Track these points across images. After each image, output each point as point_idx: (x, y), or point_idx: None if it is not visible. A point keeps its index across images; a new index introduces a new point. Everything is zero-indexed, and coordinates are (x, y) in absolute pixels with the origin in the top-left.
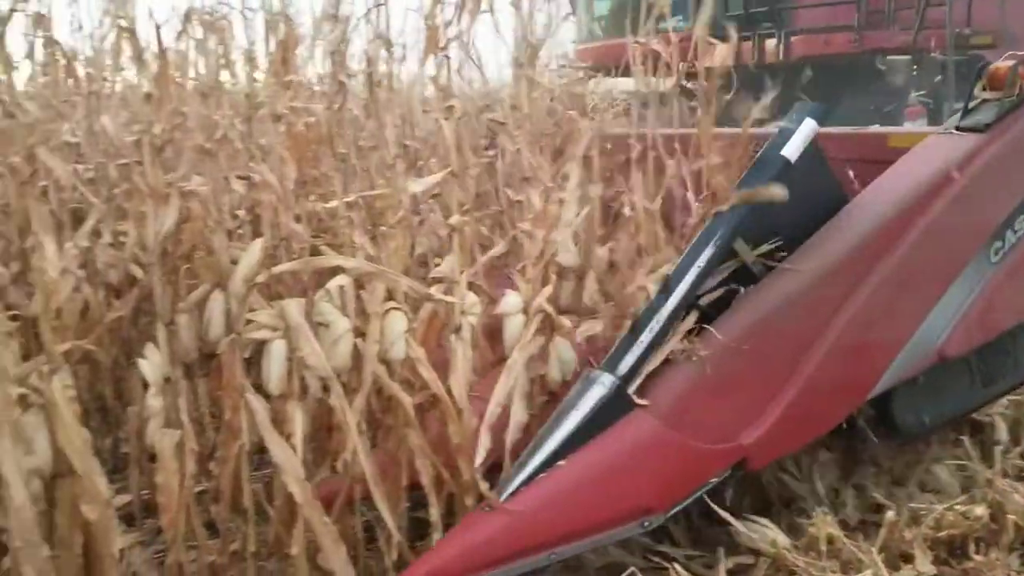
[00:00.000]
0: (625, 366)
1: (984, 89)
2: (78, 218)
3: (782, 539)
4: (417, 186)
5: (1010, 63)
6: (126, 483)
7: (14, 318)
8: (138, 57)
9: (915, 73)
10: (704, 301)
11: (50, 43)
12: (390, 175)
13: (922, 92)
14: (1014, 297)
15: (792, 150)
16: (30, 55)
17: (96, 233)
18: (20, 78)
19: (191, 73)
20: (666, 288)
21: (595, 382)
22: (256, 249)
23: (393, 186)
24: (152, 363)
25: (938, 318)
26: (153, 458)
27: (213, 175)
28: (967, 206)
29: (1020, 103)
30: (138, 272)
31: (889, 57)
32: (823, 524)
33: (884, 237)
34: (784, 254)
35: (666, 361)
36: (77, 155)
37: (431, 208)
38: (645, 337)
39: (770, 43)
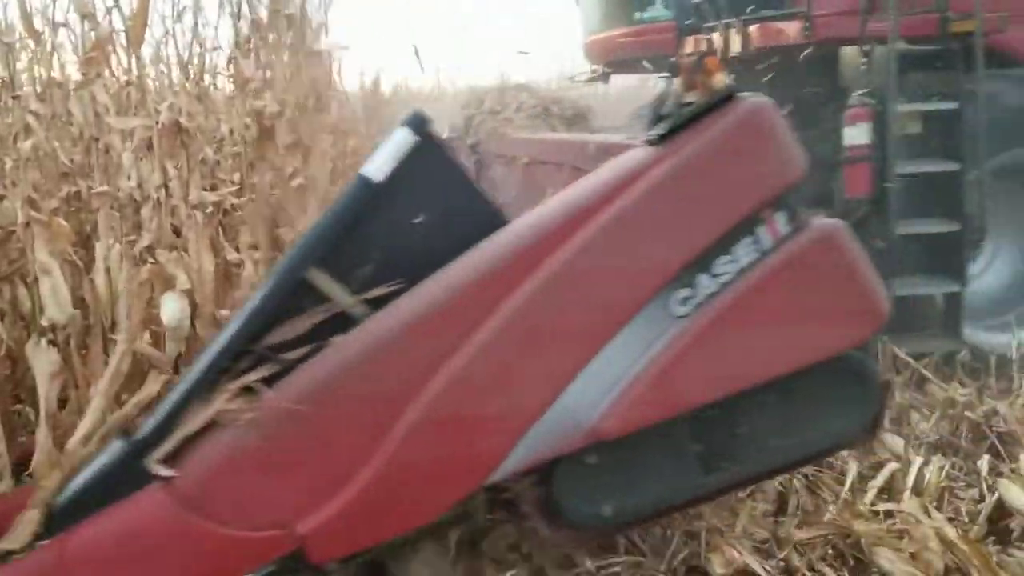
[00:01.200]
0: (148, 428)
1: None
2: None
3: None
4: None
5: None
6: None
7: None
8: None
9: (863, 67)
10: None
11: None
12: None
13: (865, 91)
14: (719, 362)
15: (376, 169)
16: None
17: None
18: None
19: None
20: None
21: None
22: None
23: None
24: None
25: (592, 385)
26: None
27: None
28: (624, 242)
29: (701, 112)
30: None
31: (849, 48)
32: None
33: (507, 276)
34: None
35: (213, 425)
36: None
37: None
38: (176, 394)
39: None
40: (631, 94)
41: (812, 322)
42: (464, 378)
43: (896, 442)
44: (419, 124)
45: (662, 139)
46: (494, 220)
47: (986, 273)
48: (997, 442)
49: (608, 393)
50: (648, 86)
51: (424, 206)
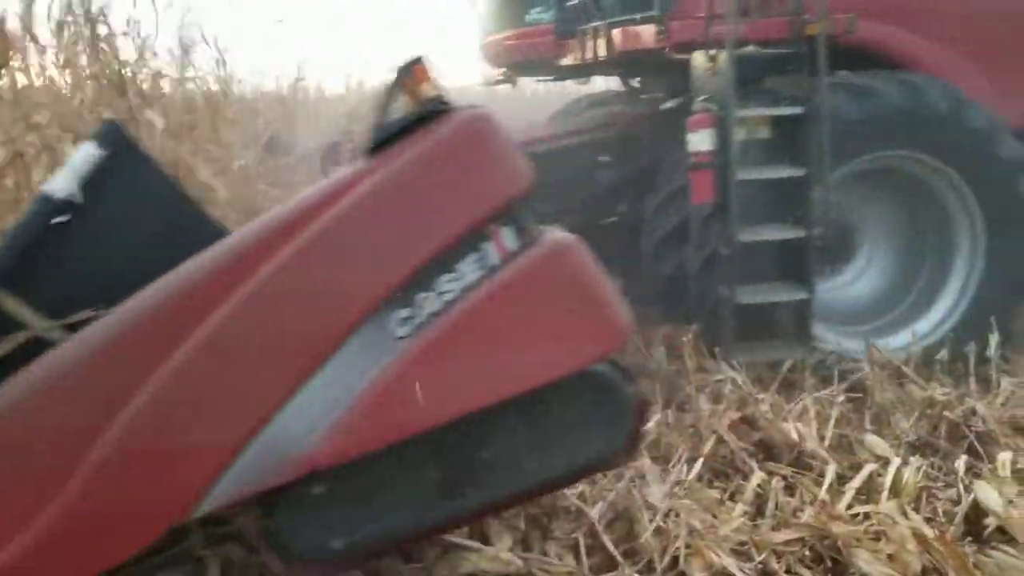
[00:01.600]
0: None
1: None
2: None
3: None
4: None
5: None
6: None
7: None
8: None
9: (709, 72)
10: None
11: None
12: None
13: (707, 96)
14: (443, 384)
15: (60, 184)
16: None
17: None
18: None
19: None
20: None
21: None
22: None
23: None
24: None
25: (308, 411)
26: None
27: None
28: (328, 259)
29: (411, 122)
30: None
31: (696, 54)
32: None
33: (203, 296)
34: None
35: None
36: None
37: None
38: None
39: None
40: (553, 97)
41: (544, 340)
42: (158, 406)
43: (875, 442)
44: (112, 137)
45: (373, 151)
46: (209, 234)
47: (861, 279)
48: (976, 442)
49: (324, 419)
50: (567, 91)
51: (128, 222)
